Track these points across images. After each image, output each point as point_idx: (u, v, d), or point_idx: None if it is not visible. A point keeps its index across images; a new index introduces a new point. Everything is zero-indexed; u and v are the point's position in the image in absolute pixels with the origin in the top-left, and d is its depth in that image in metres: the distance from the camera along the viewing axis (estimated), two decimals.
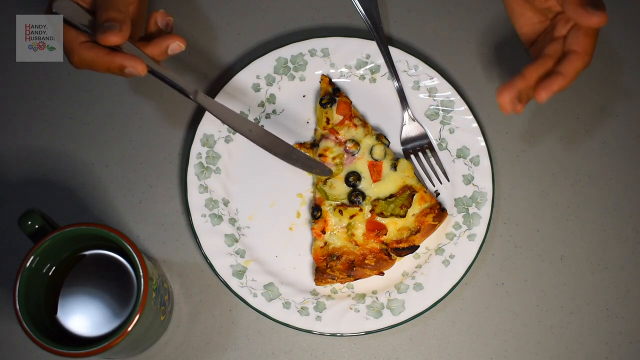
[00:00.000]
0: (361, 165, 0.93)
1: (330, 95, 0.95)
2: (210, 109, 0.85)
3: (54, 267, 0.81)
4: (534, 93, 0.77)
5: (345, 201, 0.91)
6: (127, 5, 0.80)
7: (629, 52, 1.00)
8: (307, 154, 0.93)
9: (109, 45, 0.77)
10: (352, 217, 0.90)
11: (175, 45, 0.81)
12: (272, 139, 0.88)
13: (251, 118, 0.96)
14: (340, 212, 0.90)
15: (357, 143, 0.93)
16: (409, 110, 0.96)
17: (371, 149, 0.93)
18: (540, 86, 0.76)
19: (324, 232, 0.90)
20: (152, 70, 0.80)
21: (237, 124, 0.87)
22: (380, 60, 0.97)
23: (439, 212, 0.90)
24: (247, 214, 0.93)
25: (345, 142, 0.93)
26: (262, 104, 0.97)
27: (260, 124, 0.96)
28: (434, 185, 0.94)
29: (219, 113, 0.86)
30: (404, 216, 0.90)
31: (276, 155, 0.88)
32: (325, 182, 0.92)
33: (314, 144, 0.95)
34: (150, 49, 0.81)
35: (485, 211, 0.91)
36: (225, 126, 0.94)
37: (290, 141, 0.95)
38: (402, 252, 0.90)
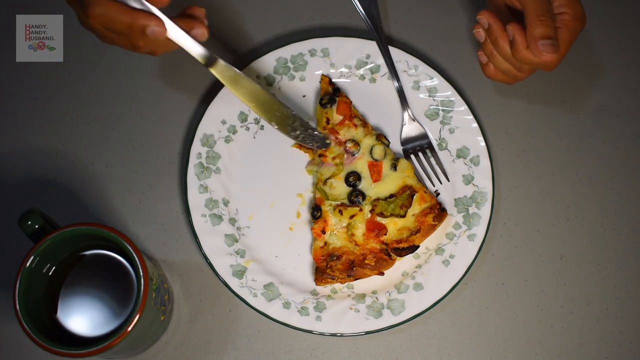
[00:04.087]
0: (361, 165, 0.92)
1: (330, 95, 0.95)
2: (226, 81, 0.84)
3: (54, 267, 0.81)
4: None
5: (345, 201, 0.91)
6: None
7: (629, 52, 1.00)
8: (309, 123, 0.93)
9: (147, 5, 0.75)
10: (352, 217, 0.90)
11: (200, 32, 0.79)
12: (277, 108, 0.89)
13: (251, 118, 0.96)
14: (340, 212, 0.90)
15: (357, 143, 0.93)
16: (409, 110, 0.96)
17: (371, 149, 0.93)
18: None
19: (324, 232, 0.90)
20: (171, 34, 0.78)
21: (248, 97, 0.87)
22: (380, 60, 0.97)
23: (439, 212, 0.90)
24: (247, 214, 0.93)
25: (345, 142, 0.93)
26: None
27: (260, 124, 0.96)
28: (434, 185, 0.94)
29: (236, 87, 0.85)
30: (404, 216, 0.90)
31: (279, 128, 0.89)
32: (325, 182, 0.92)
33: None
34: (177, 21, 0.78)
35: (485, 211, 0.91)
36: (226, 126, 0.95)
37: (290, 141, 0.95)
38: (402, 252, 0.89)
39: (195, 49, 0.80)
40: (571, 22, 0.83)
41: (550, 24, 0.82)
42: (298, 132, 0.91)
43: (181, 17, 0.80)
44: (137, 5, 0.75)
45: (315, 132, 0.92)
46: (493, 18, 0.85)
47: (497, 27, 0.85)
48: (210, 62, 0.83)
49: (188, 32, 0.79)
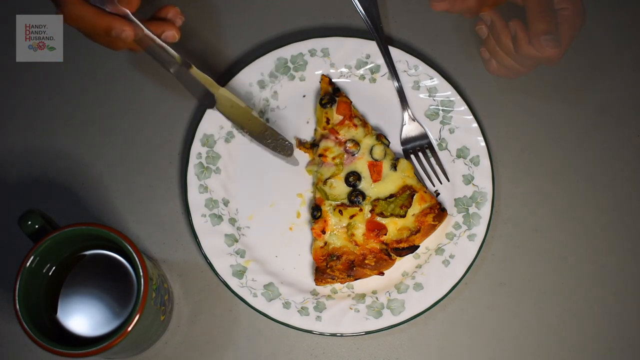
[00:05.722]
0: (361, 165, 0.92)
1: (330, 95, 0.95)
2: (189, 86, 0.86)
3: (54, 267, 0.81)
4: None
5: (345, 201, 0.91)
6: None
7: (629, 52, 1.00)
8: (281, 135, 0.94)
9: (118, 9, 0.78)
10: (352, 217, 0.90)
11: (170, 34, 0.81)
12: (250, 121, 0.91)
13: None
14: (340, 212, 0.90)
15: (357, 143, 0.93)
16: (409, 110, 0.96)
17: (371, 149, 0.93)
18: None
19: (324, 232, 0.90)
20: (138, 39, 0.80)
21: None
22: (380, 60, 0.97)
23: (439, 212, 0.90)
24: (247, 214, 0.93)
25: (345, 142, 0.93)
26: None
27: None
28: (434, 185, 0.94)
29: (201, 93, 0.87)
30: (404, 216, 0.90)
31: (251, 135, 0.92)
32: (325, 182, 0.92)
33: (314, 144, 0.95)
34: (147, 24, 0.80)
35: (485, 211, 0.91)
36: (225, 126, 0.95)
37: (291, 141, 0.95)
38: (402, 252, 0.89)
39: (165, 57, 0.82)
40: (572, 17, 0.84)
41: (552, 20, 0.82)
42: (269, 140, 0.92)
43: (153, 20, 0.81)
44: (111, 9, 0.78)
45: (286, 142, 0.93)
46: (495, 14, 0.86)
47: (500, 23, 0.86)
48: (184, 67, 0.84)
49: (159, 35, 0.80)
